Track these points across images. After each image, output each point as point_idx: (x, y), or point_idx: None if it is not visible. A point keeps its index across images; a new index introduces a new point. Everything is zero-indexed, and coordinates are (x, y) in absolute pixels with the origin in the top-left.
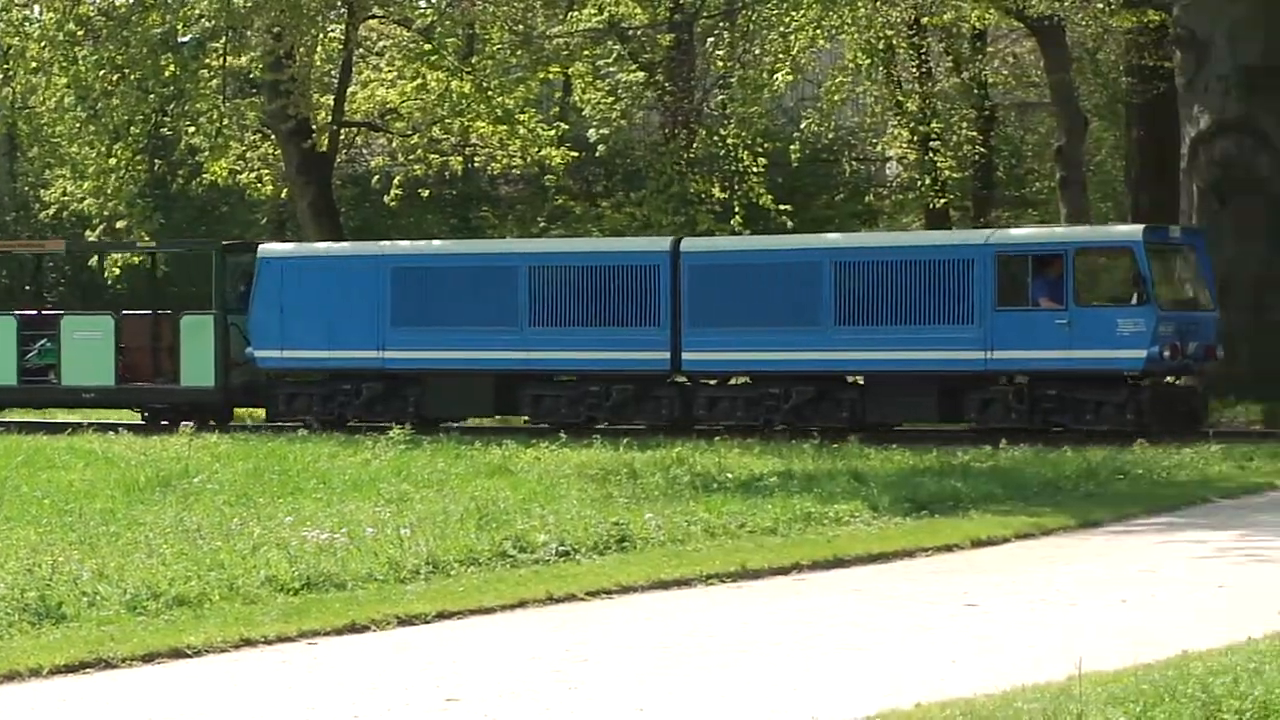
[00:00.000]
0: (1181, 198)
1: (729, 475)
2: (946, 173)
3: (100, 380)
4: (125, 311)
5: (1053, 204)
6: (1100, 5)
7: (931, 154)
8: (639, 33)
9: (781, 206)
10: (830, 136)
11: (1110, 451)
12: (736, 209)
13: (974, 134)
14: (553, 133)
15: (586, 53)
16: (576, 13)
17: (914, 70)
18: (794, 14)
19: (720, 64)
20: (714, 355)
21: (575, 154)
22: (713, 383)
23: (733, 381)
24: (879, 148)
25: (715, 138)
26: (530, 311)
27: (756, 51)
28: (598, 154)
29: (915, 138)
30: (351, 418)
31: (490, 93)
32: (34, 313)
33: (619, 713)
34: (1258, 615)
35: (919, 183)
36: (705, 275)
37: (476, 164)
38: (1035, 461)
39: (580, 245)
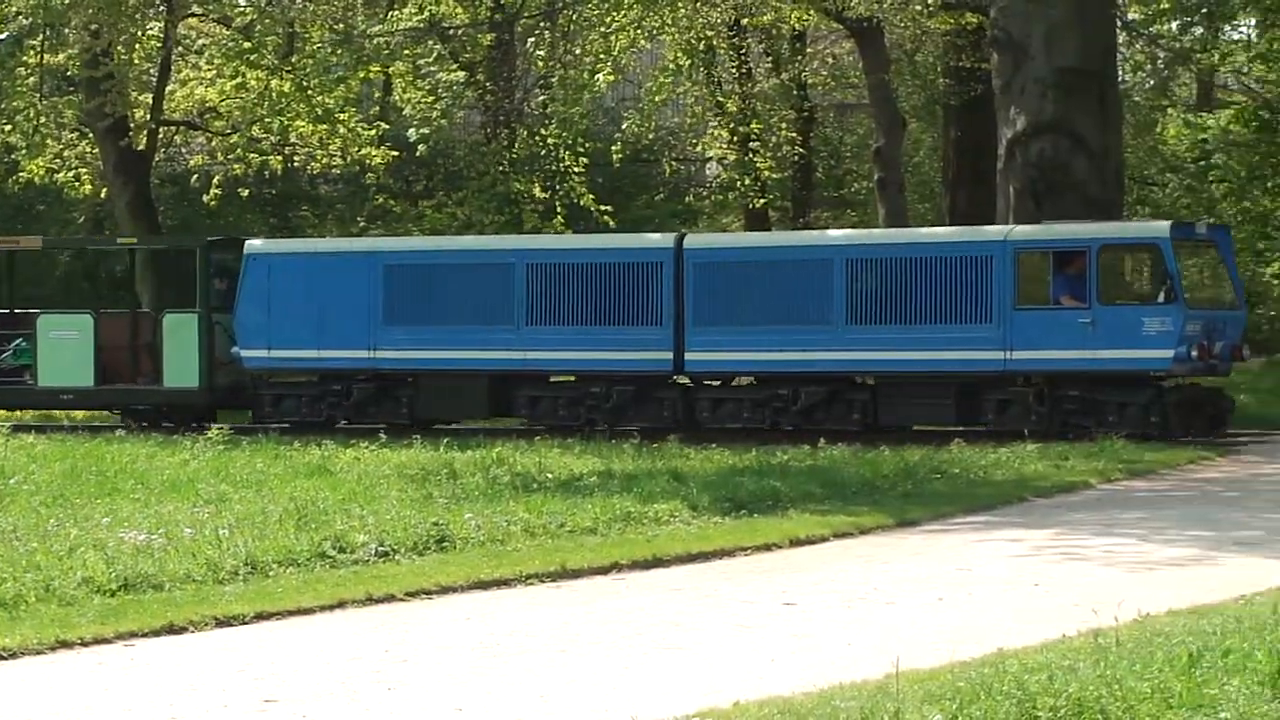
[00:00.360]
0: (998, 199)
1: (549, 475)
2: (766, 173)
3: (79, 381)
4: (105, 310)
5: (871, 205)
6: (918, 7)
7: (751, 155)
8: (460, 32)
9: (603, 206)
10: (651, 137)
11: (927, 451)
12: (559, 208)
13: (793, 135)
14: (373, 132)
15: (407, 52)
16: (397, 12)
17: (734, 71)
18: (615, 15)
19: (541, 64)
20: (719, 355)
21: (396, 153)
22: (716, 384)
23: (735, 382)
24: (699, 148)
25: (536, 138)
26: (527, 310)
27: (577, 52)
28: (418, 154)
29: (735, 138)
30: (341, 419)
31: (310, 92)
32: (7, 311)
33: (438, 713)
34: (1072, 613)
35: (739, 183)
36: (710, 273)
37: (296, 163)
38: (853, 461)
39: (579, 242)
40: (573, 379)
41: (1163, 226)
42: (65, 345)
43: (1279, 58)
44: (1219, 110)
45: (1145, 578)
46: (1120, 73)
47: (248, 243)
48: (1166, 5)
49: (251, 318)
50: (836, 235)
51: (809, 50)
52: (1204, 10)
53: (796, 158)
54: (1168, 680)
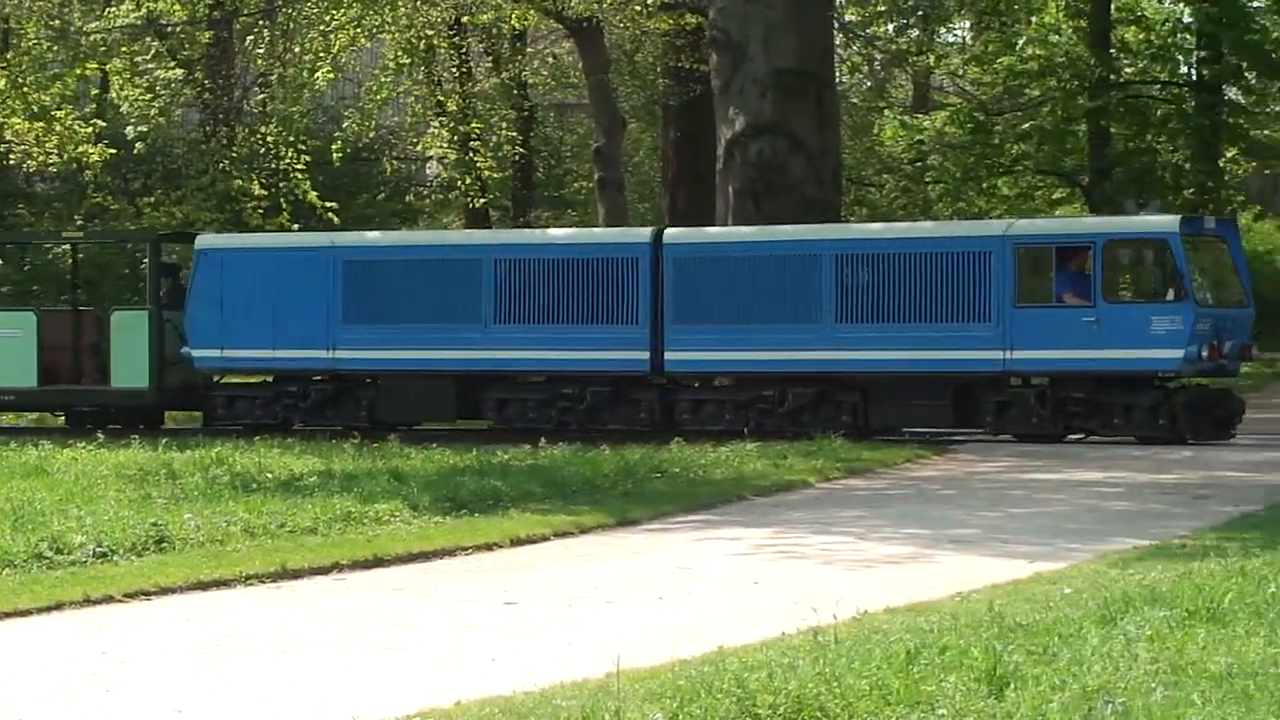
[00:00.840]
0: (717, 199)
1: (269, 475)
2: (486, 173)
3: (21, 382)
4: (48, 308)
5: (591, 204)
6: (638, 7)
7: (471, 154)
8: (178, 30)
9: (328, 204)
10: (371, 135)
11: (647, 450)
12: (283, 205)
13: (514, 134)
14: (90, 130)
15: (124, 49)
16: (114, 8)
17: (454, 70)
18: (334, 13)
19: (260, 62)
20: (700, 355)
21: (113, 151)
22: (695, 385)
23: (716, 383)
24: (420, 147)
25: (256, 136)
26: (495, 308)
27: (297, 50)
28: (136, 151)
29: (455, 138)
30: (298, 422)
31: (26, 89)
32: None
33: (157, 714)
34: (792, 611)
35: (459, 182)
36: (690, 268)
37: (12, 161)
38: (574, 460)
39: (551, 237)
40: (543, 380)
41: (1172, 221)
42: (6, 344)
43: (993, 60)
44: (935, 112)
45: (864, 576)
46: (838, 74)
47: (199, 237)
48: (883, 7)
49: (203, 316)
50: (825, 230)
51: (529, 50)
52: (920, 13)
53: (517, 157)
54: (886, 677)
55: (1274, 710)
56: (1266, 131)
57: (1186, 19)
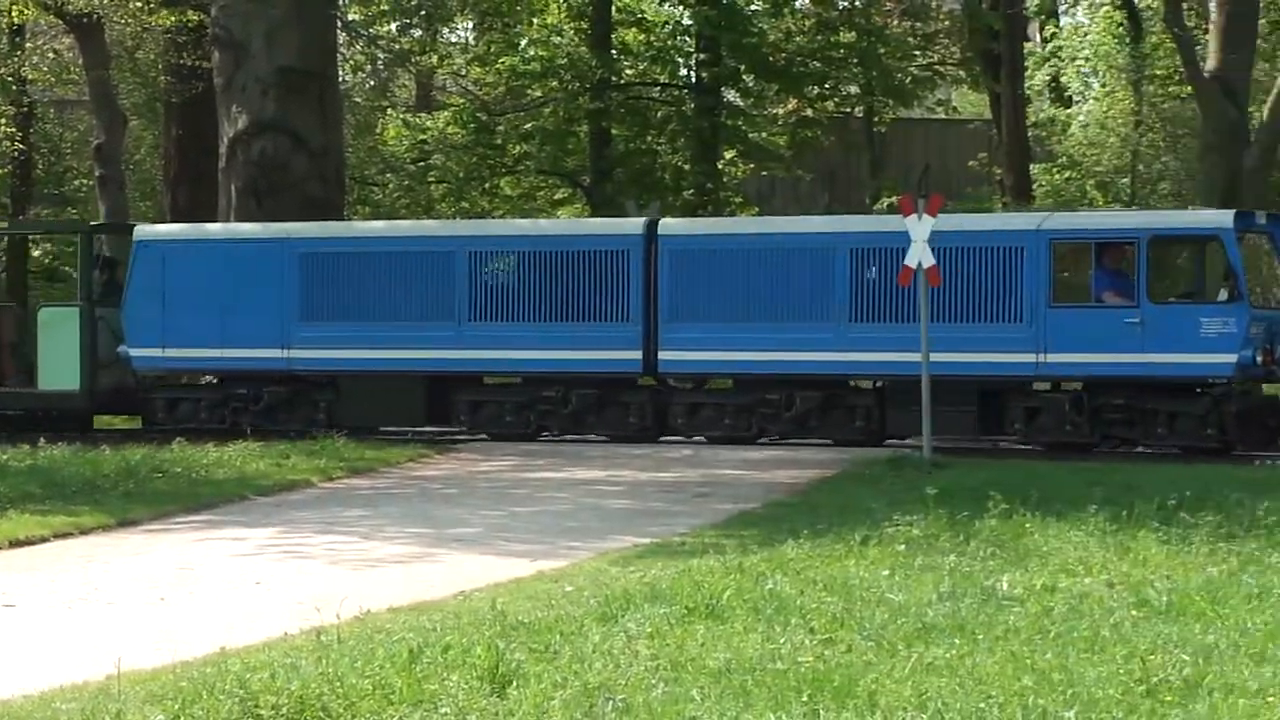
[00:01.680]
0: (220, 197)
1: None
2: None
3: None
4: None
5: (92, 202)
6: (139, 4)
7: None
8: None
9: None
10: None
11: (149, 450)
12: None
13: (12, 130)
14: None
15: None
16: None
17: None
18: None
19: None
20: (697, 355)
21: None
22: (689, 386)
23: (710, 385)
24: None
25: None
26: (471, 304)
27: None
28: None
29: None
30: (247, 426)
31: None
32: None
33: None
34: (296, 611)
35: None
36: (688, 261)
37: None
38: (74, 460)
39: (534, 227)
40: (519, 380)
41: (1226, 216)
42: None
43: (495, 61)
44: (437, 112)
45: (368, 575)
46: (341, 73)
47: (138, 228)
48: (386, 7)
49: (143, 312)
50: (839, 221)
51: (29, 44)
52: (423, 12)
53: (16, 154)
54: (389, 677)
55: (771, 704)
56: (764, 134)
57: (686, 21)
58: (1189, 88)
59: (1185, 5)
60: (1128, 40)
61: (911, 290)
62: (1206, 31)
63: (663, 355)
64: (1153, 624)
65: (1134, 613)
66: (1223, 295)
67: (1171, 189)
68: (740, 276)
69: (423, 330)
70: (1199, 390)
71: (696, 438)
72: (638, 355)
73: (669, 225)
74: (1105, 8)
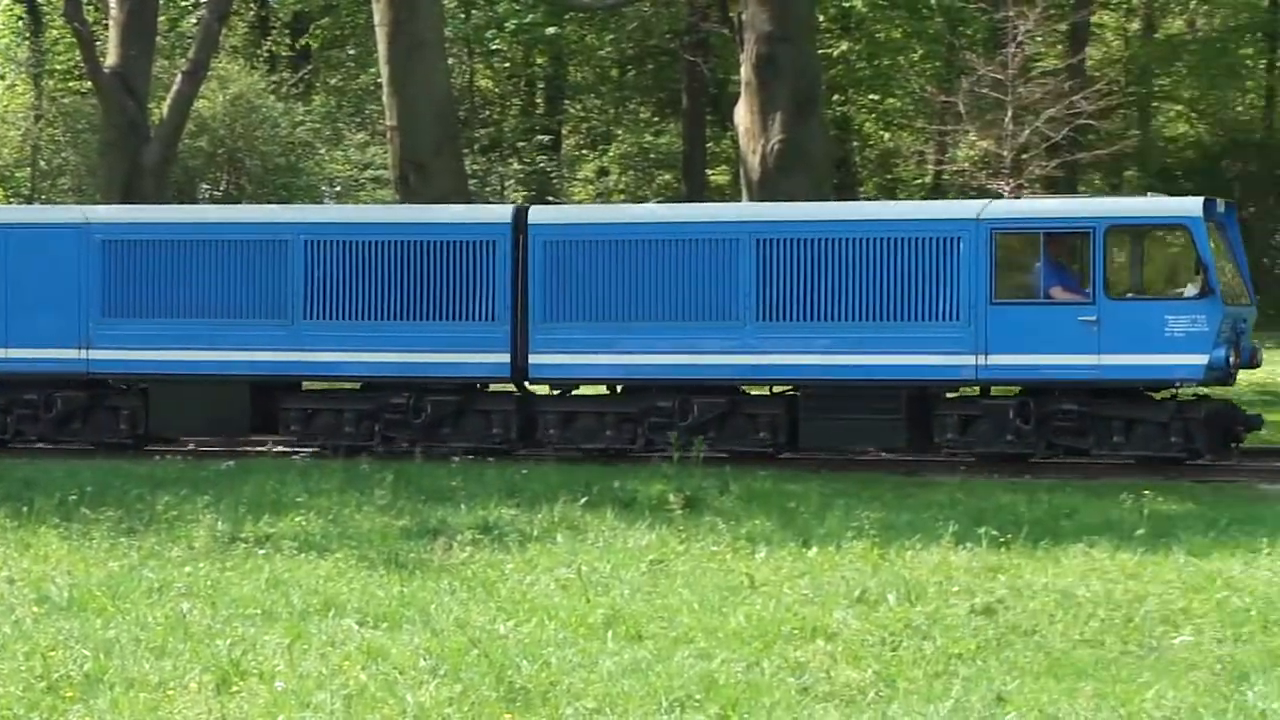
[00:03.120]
0: None
1: None
2: None
3: None
4: None
5: None
6: None
7: None
8: None
9: None
10: None
11: None
12: None
13: None
14: None
15: None
16: None
17: None
18: None
19: None
20: (576, 359)
21: None
22: (560, 393)
23: (580, 391)
24: None
25: None
26: (307, 299)
27: None
28: None
29: None
30: (34, 437)
31: None
32: None
33: None
34: None
35: None
36: (563, 254)
37: None
38: None
39: (383, 214)
40: (364, 388)
41: (1194, 203)
42: None
43: None
44: None
45: None
46: None
47: None
48: None
49: None
50: (747, 208)
51: None
52: None
53: None
54: None
55: None
56: None
57: None
58: (90, 83)
59: (86, 1)
60: (28, 35)
61: (826, 286)
62: (108, 27)
63: (534, 359)
64: (54, 620)
65: (35, 609)
66: (1191, 290)
67: (72, 184)
68: (625, 270)
69: (249, 329)
70: (1162, 395)
71: (569, 450)
72: (505, 359)
73: (542, 214)
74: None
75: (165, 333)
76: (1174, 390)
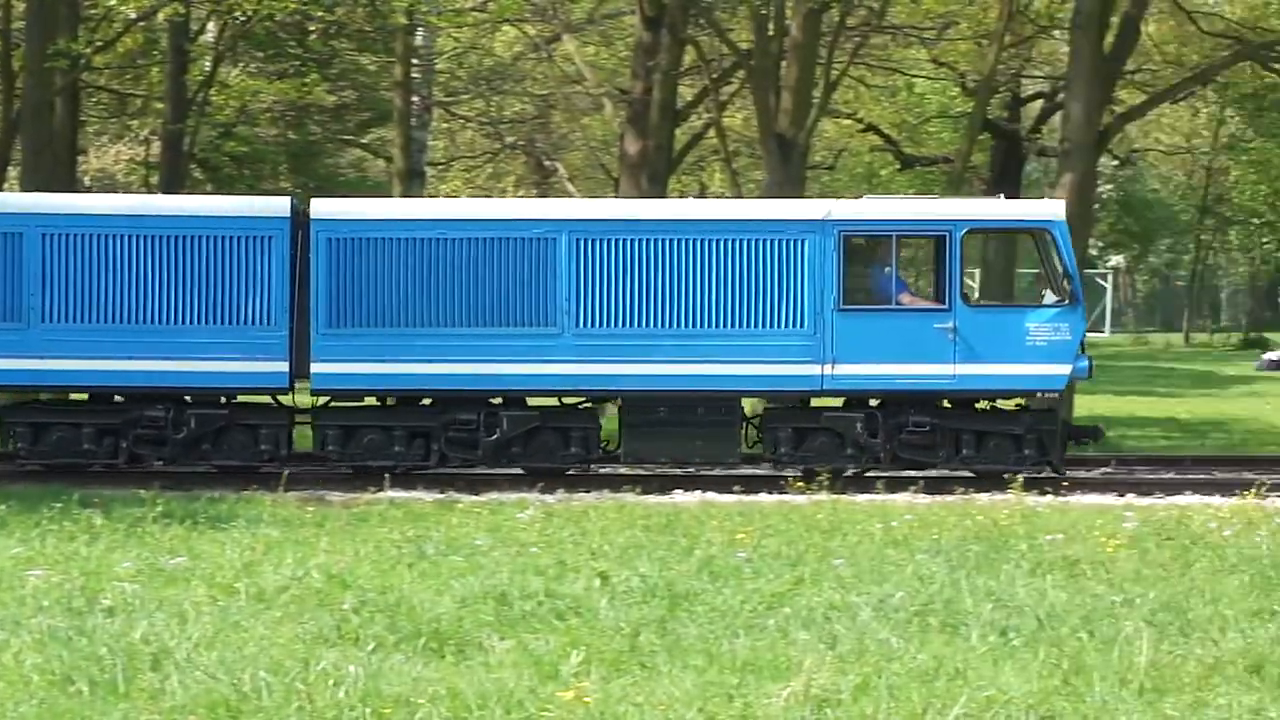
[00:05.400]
0: None
1: None
2: None
3: None
4: None
5: None
6: None
7: None
8: None
9: None
10: None
11: None
12: None
13: None
14: None
15: None
16: None
17: None
18: None
19: None
20: (366, 368)
21: None
22: (337, 405)
23: (371, 402)
24: None
25: None
26: (45, 299)
27: None
28: None
29: None
30: None
31: None
32: None
33: None
34: None
35: None
36: (351, 252)
37: None
38: None
39: (137, 205)
40: (121, 400)
41: (1055, 206)
42: None
43: None
44: None
45: None
46: None
47: None
48: None
49: None
50: (562, 205)
51: None
52: None
53: None
54: None
55: None
56: None
57: None
58: None
59: None
60: None
61: (658, 291)
62: None
63: (318, 368)
64: None
65: None
66: (1053, 297)
67: None
68: (425, 271)
69: None
70: (1016, 406)
71: (343, 468)
72: (284, 368)
73: (325, 207)
74: None
75: None
76: (1026, 402)
